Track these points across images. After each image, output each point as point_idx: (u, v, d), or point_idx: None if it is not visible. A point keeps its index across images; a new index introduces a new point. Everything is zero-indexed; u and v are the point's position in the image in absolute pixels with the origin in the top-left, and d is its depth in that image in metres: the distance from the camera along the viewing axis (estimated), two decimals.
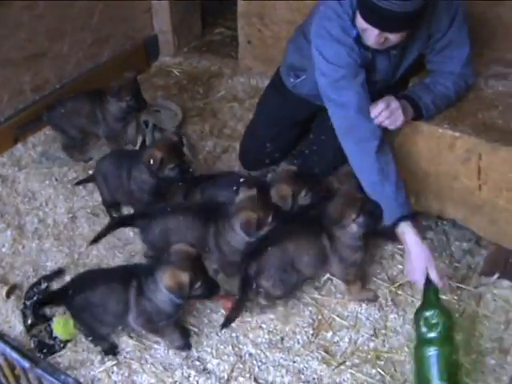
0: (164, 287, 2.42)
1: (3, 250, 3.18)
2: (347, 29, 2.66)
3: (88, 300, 2.54)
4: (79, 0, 3.96)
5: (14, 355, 1.44)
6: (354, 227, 2.64)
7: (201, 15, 5.00)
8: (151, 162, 2.99)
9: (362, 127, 2.65)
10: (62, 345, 2.71)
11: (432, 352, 2.36)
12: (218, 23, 5.22)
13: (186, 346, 2.67)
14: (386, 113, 2.64)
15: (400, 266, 3.00)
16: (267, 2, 3.98)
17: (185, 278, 2.38)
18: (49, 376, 1.39)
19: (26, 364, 1.42)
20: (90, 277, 2.67)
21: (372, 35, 2.58)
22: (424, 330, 2.42)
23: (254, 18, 4.11)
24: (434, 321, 2.41)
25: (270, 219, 2.70)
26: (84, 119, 3.67)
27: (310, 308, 2.84)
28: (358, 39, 2.67)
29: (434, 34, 2.73)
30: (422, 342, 2.43)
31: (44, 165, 3.74)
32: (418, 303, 2.67)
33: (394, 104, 2.66)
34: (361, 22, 2.57)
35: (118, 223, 3.10)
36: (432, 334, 2.40)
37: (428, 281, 2.53)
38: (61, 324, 2.72)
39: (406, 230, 2.60)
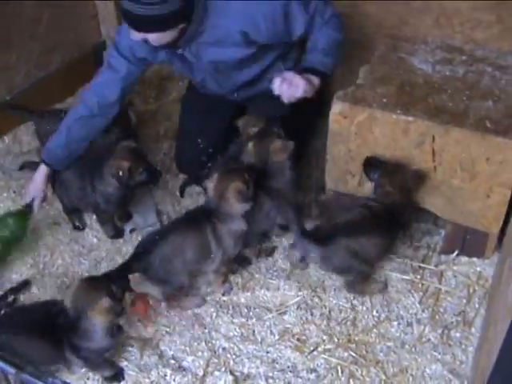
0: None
1: None
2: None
3: None
4: (25, 9, 3.93)
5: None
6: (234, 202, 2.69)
7: None
8: (120, 173, 2.96)
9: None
10: None
11: None
12: None
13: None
14: (285, 84, 2.75)
15: None
16: None
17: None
18: (36, 380, 1.39)
19: (12, 370, 1.41)
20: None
21: (134, 37, 2.77)
22: None
23: None
24: None
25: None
26: None
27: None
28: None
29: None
30: None
31: (1, 178, 3.70)
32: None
33: (288, 74, 2.79)
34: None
35: None
36: None
37: None
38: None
39: None
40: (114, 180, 2.98)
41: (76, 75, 4.29)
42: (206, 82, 3.22)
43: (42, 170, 3.16)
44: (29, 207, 3.15)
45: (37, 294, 2.98)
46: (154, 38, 2.73)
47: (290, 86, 2.74)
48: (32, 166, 3.41)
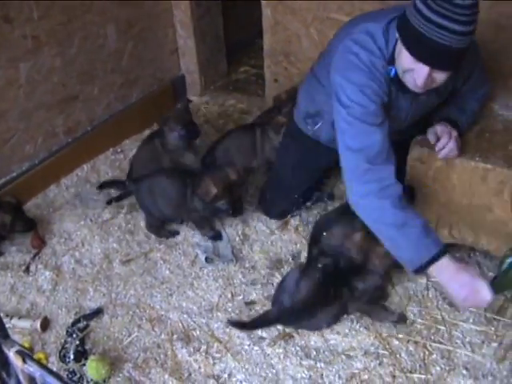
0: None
1: (42, 289, 3.24)
2: (378, 66, 2.53)
3: None
4: (109, 42, 4.07)
5: None
6: None
7: (225, 54, 5.09)
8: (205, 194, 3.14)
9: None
10: None
11: None
12: (242, 62, 5.33)
13: None
14: (452, 143, 2.68)
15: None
16: (293, 40, 4.05)
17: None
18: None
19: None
20: None
21: (421, 74, 2.41)
22: None
23: (279, 56, 4.18)
24: None
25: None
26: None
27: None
28: (394, 80, 2.58)
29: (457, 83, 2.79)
30: None
31: (78, 206, 3.82)
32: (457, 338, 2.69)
33: (454, 132, 2.71)
34: (408, 61, 2.41)
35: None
36: None
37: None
38: (93, 365, 2.76)
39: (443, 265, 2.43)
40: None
41: (154, 108, 4.39)
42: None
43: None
44: None
45: (108, 322, 3.04)
46: (445, 77, 2.46)
47: (456, 145, 2.70)
48: (110, 186, 3.63)
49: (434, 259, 2.41)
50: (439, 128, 2.74)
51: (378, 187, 2.48)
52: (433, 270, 2.44)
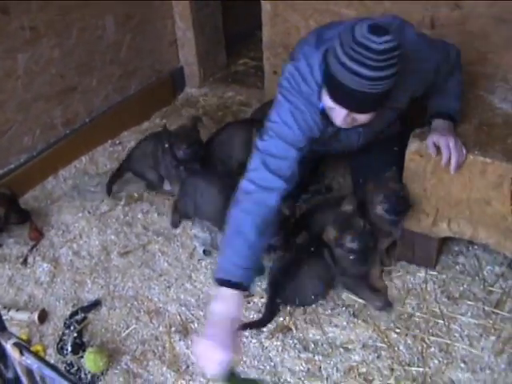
0: None
1: (39, 281, 3.23)
2: (313, 100, 2.57)
3: None
4: (108, 34, 4.07)
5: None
6: None
7: (225, 46, 5.08)
8: None
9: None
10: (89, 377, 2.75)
11: None
12: (241, 54, 5.31)
13: None
14: (455, 151, 2.65)
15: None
16: (292, 32, 4.03)
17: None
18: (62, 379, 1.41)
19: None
20: None
21: (340, 115, 2.47)
22: None
23: (279, 48, 4.16)
24: None
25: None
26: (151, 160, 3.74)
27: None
28: (323, 113, 2.59)
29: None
30: None
31: (76, 198, 3.81)
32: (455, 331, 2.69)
33: (451, 138, 2.67)
34: (327, 100, 2.46)
35: None
36: None
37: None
38: (91, 357, 2.76)
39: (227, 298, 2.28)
40: None
41: (153, 100, 4.40)
42: (341, 148, 3.07)
43: (233, 298, 2.28)
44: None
45: (105, 314, 3.04)
46: (367, 118, 2.50)
47: (459, 153, 2.66)
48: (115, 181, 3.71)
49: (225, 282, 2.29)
50: (435, 137, 2.71)
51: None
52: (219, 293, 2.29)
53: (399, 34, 2.44)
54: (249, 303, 3.02)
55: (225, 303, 2.24)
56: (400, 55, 2.28)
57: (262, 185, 2.47)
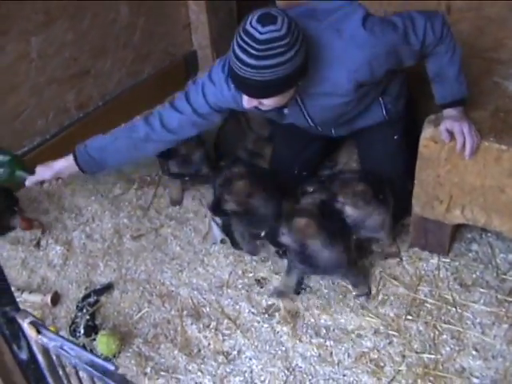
0: None
1: (52, 264, 3.25)
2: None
3: None
4: (121, 17, 4.03)
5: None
6: None
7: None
8: None
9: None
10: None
11: None
12: None
13: None
14: (469, 137, 2.63)
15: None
16: None
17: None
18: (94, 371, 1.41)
19: (98, 374, 1.44)
20: None
21: (244, 99, 2.54)
22: None
23: None
24: None
25: None
26: None
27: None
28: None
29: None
30: None
31: (89, 181, 3.81)
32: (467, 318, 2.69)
33: (465, 124, 2.65)
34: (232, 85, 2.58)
35: None
36: None
37: None
38: (104, 340, 2.78)
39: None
40: None
41: (166, 84, 4.37)
42: (300, 126, 3.12)
43: (69, 161, 3.08)
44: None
45: (118, 297, 3.06)
46: (271, 102, 2.53)
47: (473, 139, 2.63)
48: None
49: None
50: (448, 123, 2.68)
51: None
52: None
53: (342, 21, 2.55)
54: (261, 288, 3.03)
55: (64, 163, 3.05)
56: (288, 44, 2.30)
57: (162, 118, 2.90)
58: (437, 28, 2.65)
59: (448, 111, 2.75)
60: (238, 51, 2.35)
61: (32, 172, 3.07)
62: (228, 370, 2.69)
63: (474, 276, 3.01)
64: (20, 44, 3.49)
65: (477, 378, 2.58)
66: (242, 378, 2.65)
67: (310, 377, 2.63)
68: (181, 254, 3.26)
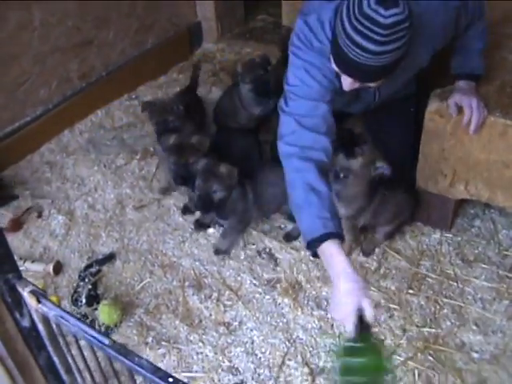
0: None
1: (55, 234, 3.25)
2: (326, 53, 2.40)
3: None
4: None
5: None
6: None
7: (243, 2, 5.01)
8: None
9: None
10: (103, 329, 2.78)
11: None
12: (260, 10, 5.24)
13: None
14: (477, 112, 2.60)
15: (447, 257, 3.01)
16: None
17: None
18: (122, 358, 1.41)
19: (99, 343, 1.44)
20: None
21: (346, 81, 2.38)
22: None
23: (298, 4, 4.08)
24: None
25: None
26: None
27: None
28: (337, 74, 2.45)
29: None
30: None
31: (91, 151, 3.81)
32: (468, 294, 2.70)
33: (474, 99, 2.62)
34: (334, 66, 2.36)
35: None
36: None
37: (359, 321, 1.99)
38: (106, 310, 2.79)
39: (335, 251, 2.14)
40: None
41: (170, 54, 4.36)
42: (359, 109, 3.05)
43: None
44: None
45: (120, 267, 3.06)
46: (376, 84, 2.42)
47: (480, 114, 2.60)
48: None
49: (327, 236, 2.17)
50: (457, 97, 2.66)
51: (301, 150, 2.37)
52: (324, 249, 2.16)
53: None
54: (263, 259, 3.03)
55: (337, 257, 2.12)
56: (410, 26, 2.15)
57: (304, 145, 2.36)
58: (482, 4, 2.66)
59: (460, 83, 2.72)
60: (357, 37, 2.15)
61: None
62: (229, 340, 2.70)
63: (475, 251, 3.01)
64: (22, 13, 3.46)
65: (476, 352, 2.59)
66: (242, 349, 2.66)
67: (311, 348, 2.64)
68: (183, 225, 3.26)
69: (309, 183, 2.28)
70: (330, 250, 2.14)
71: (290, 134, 2.42)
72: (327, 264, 2.16)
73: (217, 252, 3.09)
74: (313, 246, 2.19)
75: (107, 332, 2.74)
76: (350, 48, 2.17)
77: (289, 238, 3.14)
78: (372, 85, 2.42)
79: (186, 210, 3.34)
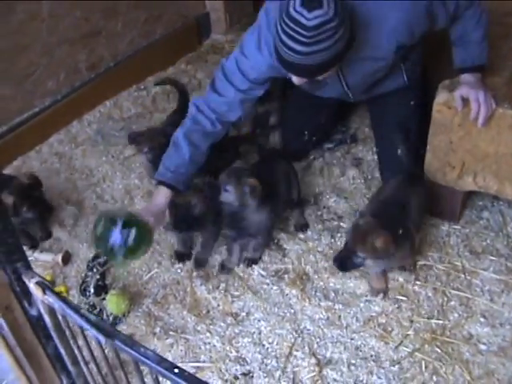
0: None
1: (63, 224, 3.27)
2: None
3: None
4: None
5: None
6: None
7: None
8: None
9: None
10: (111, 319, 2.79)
11: None
12: None
13: None
14: (484, 105, 2.59)
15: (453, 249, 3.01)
16: None
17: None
18: (128, 348, 1.42)
19: (102, 338, 1.45)
20: None
21: (293, 77, 2.52)
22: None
23: None
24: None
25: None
26: None
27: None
28: None
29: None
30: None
31: (100, 142, 3.81)
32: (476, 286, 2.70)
33: (481, 91, 2.60)
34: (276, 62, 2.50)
35: None
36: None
37: None
38: (114, 300, 2.80)
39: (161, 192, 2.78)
40: None
41: (178, 45, 4.36)
42: (331, 93, 3.13)
43: (164, 193, 2.78)
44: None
45: None
46: (321, 77, 2.50)
47: (488, 107, 2.59)
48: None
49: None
50: (464, 90, 2.65)
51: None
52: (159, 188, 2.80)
53: None
54: (271, 250, 3.03)
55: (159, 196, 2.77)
56: (339, 25, 2.24)
57: (215, 108, 2.79)
58: None
59: (465, 76, 2.71)
60: (284, 38, 2.27)
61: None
62: (236, 331, 2.71)
63: (484, 243, 3.00)
64: (31, 4, 3.46)
65: (484, 344, 2.59)
66: (250, 340, 2.66)
67: (318, 339, 2.64)
68: None
69: (190, 136, 2.77)
70: (159, 190, 2.78)
71: (215, 89, 2.78)
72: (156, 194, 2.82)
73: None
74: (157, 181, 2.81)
75: (115, 322, 2.76)
76: (281, 48, 2.33)
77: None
78: (319, 78, 2.49)
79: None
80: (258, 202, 2.74)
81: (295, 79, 2.52)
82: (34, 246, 3.12)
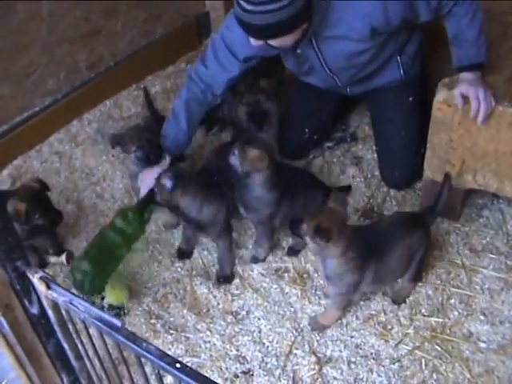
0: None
1: (63, 223, 3.25)
2: None
3: None
4: None
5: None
6: None
7: None
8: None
9: None
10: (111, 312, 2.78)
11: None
12: None
13: None
14: (484, 103, 2.59)
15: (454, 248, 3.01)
16: None
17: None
18: (131, 343, 1.42)
19: (107, 329, 1.45)
20: None
21: (250, 39, 2.62)
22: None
23: None
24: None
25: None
26: None
27: None
28: None
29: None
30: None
31: (100, 141, 3.81)
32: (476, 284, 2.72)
33: (481, 89, 2.60)
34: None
35: None
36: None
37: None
38: (113, 292, 2.81)
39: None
40: None
41: (178, 45, 4.35)
42: (319, 79, 3.17)
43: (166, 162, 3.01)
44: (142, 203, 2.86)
45: (128, 256, 3.04)
46: (277, 42, 2.60)
47: (488, 104, 2.59)
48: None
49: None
50: (463, 87, 2.64)
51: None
52: None
53: None
54: (272, 249, 3.04)
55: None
56: None
57: (207, 80, 2.98)
58: None
59: (464, 75, 2.71)
60: None
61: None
62: (237, 329, 2.71)
63: (484, 242, 3.00)
64: (31, 3, 3.46)
65: (484, 342, 2.59)
66: (250, 338, 2.67)
67: (318, 338, 2.65)
68: None
69: (188, 105, 2.99)
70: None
71: (203, 62, 2.97)
72: None
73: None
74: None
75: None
76: (236, 8, 2.49)
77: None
78: (271, 42, 2.59)
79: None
80: (263, 178, 2.74)
81: (252, 41, 2.61)
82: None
